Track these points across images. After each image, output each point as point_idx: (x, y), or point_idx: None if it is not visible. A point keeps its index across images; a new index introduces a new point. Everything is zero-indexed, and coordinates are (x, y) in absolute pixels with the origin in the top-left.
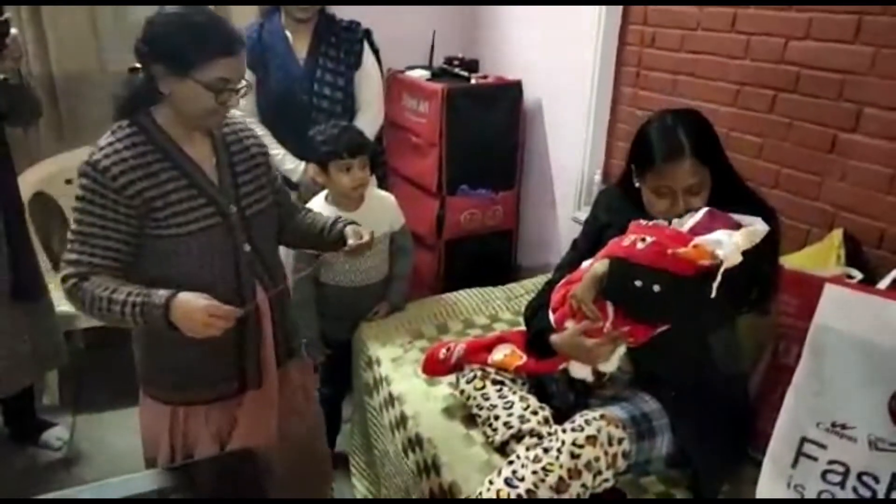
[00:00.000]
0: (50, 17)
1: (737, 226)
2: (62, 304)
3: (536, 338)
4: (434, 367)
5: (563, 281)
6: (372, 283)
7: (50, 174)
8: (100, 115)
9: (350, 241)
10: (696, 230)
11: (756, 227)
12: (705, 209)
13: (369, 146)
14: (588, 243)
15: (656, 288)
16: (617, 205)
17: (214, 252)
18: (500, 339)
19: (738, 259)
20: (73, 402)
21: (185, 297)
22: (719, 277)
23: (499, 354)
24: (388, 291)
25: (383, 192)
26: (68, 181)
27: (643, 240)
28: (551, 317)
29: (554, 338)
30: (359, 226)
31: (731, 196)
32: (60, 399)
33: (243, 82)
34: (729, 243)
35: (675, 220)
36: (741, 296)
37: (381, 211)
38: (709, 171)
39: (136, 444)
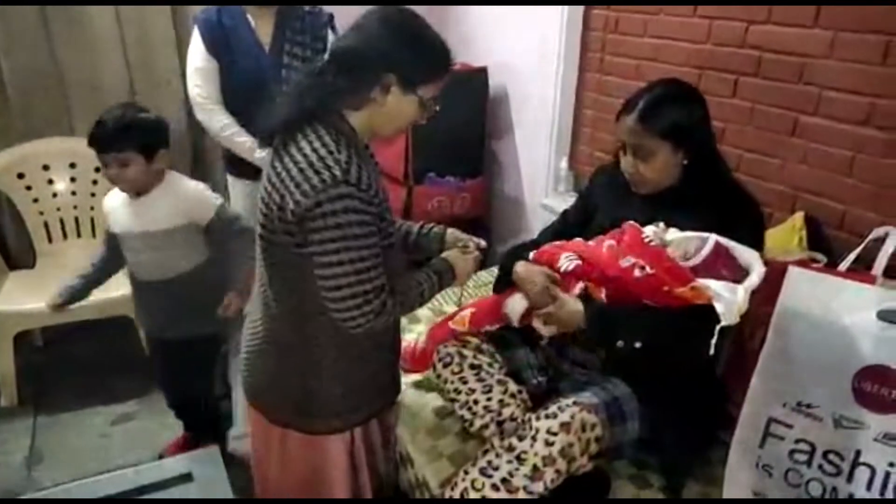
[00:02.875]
0: None
1: (740, 269)
2: (10, 304)
3: (504, 276)
4: (418, 363)
5: (556, 244)
6: (167, 278)
7: (1, 169)
8: (50, 110)
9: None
10: (698, 269)
11: (754, 280)
12: (712, 242)
13: (121, 142)
14: (578, 219)
15: (637, 344)
16: (609, 188)
17: (398, 260)
18: (459, 312)
19: (736, 321)
20: (33, 403)
21: (448, 254)
22: (716, 336)
23: (458, 319)
24: (230, 281)
25: (187, 184)
26: (20, 175)
27: (642, 268)
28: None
29: (518, 267)
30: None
31: (713, 186)
32: (19, 399)
33: None
34: (730, 301)
35: (675, 246)
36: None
37: (165, 205)
38: (669, 147)
39: (98, 444)
